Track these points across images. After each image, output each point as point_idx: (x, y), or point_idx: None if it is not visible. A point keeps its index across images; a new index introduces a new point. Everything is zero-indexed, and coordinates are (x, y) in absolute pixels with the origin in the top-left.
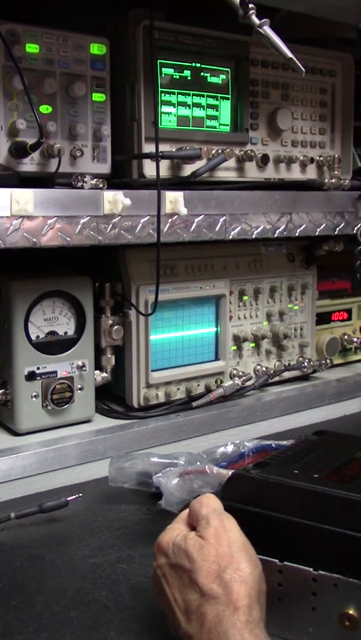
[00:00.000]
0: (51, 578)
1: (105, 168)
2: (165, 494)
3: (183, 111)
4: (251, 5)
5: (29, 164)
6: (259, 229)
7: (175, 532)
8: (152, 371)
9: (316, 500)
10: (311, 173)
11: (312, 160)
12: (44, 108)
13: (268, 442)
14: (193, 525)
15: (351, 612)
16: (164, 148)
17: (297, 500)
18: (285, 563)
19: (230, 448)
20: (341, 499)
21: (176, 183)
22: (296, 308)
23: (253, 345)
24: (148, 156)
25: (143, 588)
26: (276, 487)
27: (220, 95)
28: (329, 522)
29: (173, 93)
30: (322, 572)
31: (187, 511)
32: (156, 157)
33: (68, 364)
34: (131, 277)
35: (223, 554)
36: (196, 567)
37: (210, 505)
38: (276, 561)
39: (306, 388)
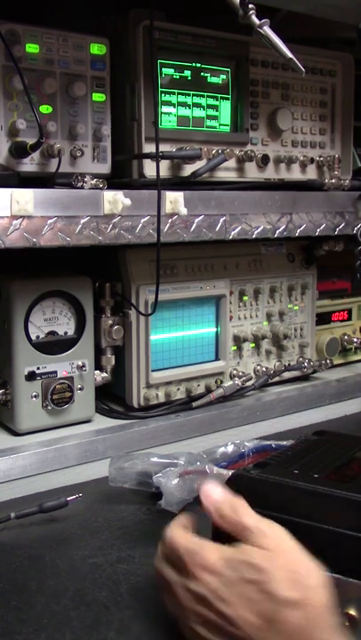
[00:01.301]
0: (51, 578)
1: (105, 168)
2: (165, 494)
3: (183, 111)
4: (251, 5)
5: (29, 164)
6: (259, 229)
7: (214, 549)
8: (152, 371)
9: (316, 500)
10: (311, 173)
11: (312, 160)
12: (44, 108)
13: (268, 442)
14: (230, 536)
15: (351, 612)
16: (164, 148)
17: (297, 500)
18: None
19: (230, 448)
20: (342, 499)
21: (176, 183)
22: (296, 308)
23: (253, 345)
24: (148, 156)
25: (143, 587)
26: (275, 487)
27: (220, 95)
28: (329, 522)
29: (173, 93)
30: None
31: (186, 517)
32: (157, 157)
33: (68, 363)
34: (131, 277)
35: (293, 560)
36: (269, 577)
37: (252, 514)
38: None
39: (306, 389)
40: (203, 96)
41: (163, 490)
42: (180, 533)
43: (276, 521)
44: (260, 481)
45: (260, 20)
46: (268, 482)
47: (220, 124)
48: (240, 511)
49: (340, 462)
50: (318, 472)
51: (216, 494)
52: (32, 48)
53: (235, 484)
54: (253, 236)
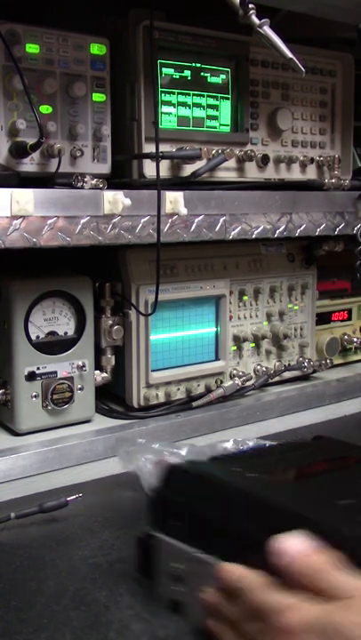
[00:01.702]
0: (51, 578)
1: (105, 168)
2: (142, 479)
3: (183, 111)
4: (251, 5)
5: (29, 164)
6: (259, 229)
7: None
8: (152, 371)
9: (230, 496)
10: (311, 173)
11: (312, 160)
12: (44, 108)
13: (266, 442)
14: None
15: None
16: (164, 148)
17: (215, 495)
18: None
19: (230, 444)
20: (253, 499)
21: (176, 183)
22: (296, 308)
23: (253, 345)
24: (148, 156)
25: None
26: (199, 481)
27: (220, 95)
28: (240, 521)
29: (173, 93)
30: None
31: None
32: (157, 157)
33: (68, 364)
34: (131, 277)
35: None
36: None
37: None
38: (217, 564)
39: (306, 388)
40: (203, 96)
41: (139, 474)
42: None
43: (202, 516)
44: (187, 473)
45: (260, 19)
46: (191, 474)
47: (220, 124)
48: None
49: (295, 465)
50: (260, 472)
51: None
52: (32, 48)
53: (168, 476)
54: (253, 236)
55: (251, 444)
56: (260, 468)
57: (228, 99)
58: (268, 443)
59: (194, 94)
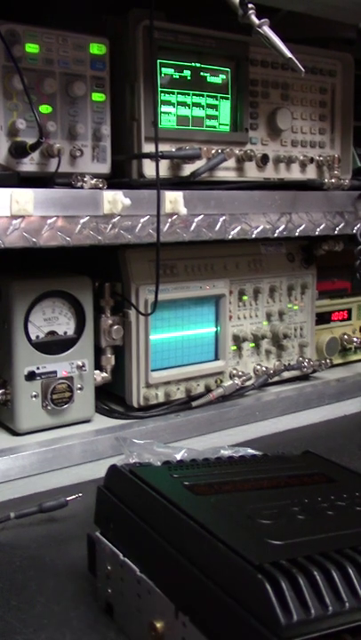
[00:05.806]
0: (51, 578)
1: (105, 168)
2: None
3: (183, 111)
4: (250, 5)
5: (29, 164)
6: (259, 229)
7: None
8: (152, 371)
9: (154, 505)
10: (311, 173)
11: (312, 160)
12: (44, 108)
13: (257, 452)
14: None
15: (157, 624)
16: (163, 147)
17: (142, 501)
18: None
19: (227, 452)
20: (170, 511)
21: (176, 183)
22: (296, 307)
23: (253, 345)
24: (147, 155)
25: None
26: (132, 485)
27: (219, 95)
28: (156, 530)
29: (173, 93)
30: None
31: None
32: (156, 157)
33: (68, 363)
34: (131, 277)
35: None
36: None
37: None
38: (137, 570)
39: (306, 388)
40: (202, 96)
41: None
42: None
43: (126, 519)
44: (124, 475)
45: (259, 19)
46: (127, 477)
47: (219, 124)
48: None
49: (241, 478)
50: (197, 480)
51: None
52: (32, 48)
53: (111, 476)
54: (253, 236)
55: (243, 452)
56: (202, 478)
57: (227, 98)
58: (258, 453)
59: (193, 94)
